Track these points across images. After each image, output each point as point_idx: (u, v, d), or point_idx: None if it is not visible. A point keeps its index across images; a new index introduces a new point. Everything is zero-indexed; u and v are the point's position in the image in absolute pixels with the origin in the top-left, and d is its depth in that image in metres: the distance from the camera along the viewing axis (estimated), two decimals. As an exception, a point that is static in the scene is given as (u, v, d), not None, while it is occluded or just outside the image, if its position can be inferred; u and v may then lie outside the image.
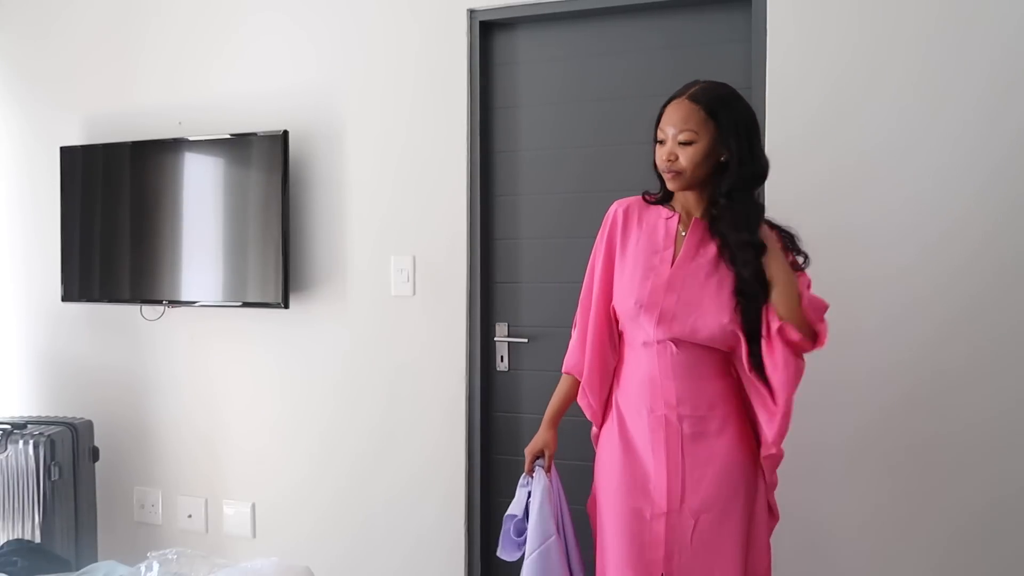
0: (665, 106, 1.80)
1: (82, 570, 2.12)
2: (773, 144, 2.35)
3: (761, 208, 1.79)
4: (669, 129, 1.77)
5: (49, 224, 3.25)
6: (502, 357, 2.78)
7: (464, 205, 2.74)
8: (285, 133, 2.82)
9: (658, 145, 1.81)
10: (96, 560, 2.77)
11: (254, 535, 3.06)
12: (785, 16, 2.37)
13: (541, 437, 2.01)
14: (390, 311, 2.84)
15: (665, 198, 1.89)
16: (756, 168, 1.76)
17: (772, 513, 1.88)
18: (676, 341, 1.79)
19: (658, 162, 1.81)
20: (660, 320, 1.79)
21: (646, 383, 1.83)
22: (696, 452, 1.79)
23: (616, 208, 1.94)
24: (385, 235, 2.83)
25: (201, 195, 2.97)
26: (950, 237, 2.25)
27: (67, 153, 3.16)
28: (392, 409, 2.85)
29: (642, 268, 1.84)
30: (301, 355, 2.96)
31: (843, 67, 2.33)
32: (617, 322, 1.91)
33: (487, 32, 2.75)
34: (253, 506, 3.06)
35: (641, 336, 1.84)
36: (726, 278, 1.77)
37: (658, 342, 1.81)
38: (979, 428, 2.24)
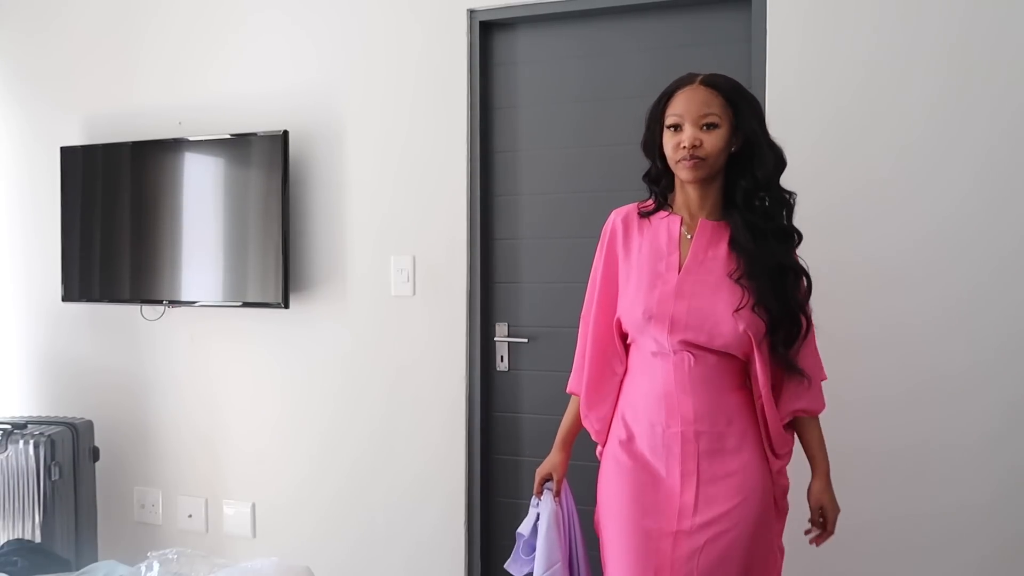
0: (671, 96, 1.71)
1: (82, 570, 2.12)
2: (773, 144, 2.35)
3: (792, 196, 1.74)
4: (687, 115, 1.66)
5: (49, 224, 3.25)
6: (502, 357, 2.78)
7: (464, 205, 2.74)
8: (285, 133, 2.82)
9: (669, 132, 1.70)
10: (96, 560, 2.77)
11: (254, 535, 3.06)
12: (785, 16, 2.37)
13: (550, 460, 1.94)
14: (390, 311, 2.84)
15: (660, 204, 1.80)
16: (776, 156, 1.70)
17: (780, 512, 1.80)
18: (692, 352, 1.69)
19: (673, 151, 1.69)
20: (672, 330, 1.69)
21: (660, 398, 1.72)
22: (712, 469, 1.69)
23: (614, 217, 1.84)
24: (385, 235, 2.83)
25: (201, 195, 2.97)
26: (954, 235, 2.25)
27: (67, 153, 3.16)
28: (392, 409, 2.85)
29: (648, 276, 1.73)
30: (301, 355, 2.96)
31: (843, 66, 2.33)
32: (624, 335, 1.82)
33: (487, 32, 2.75)
34: (253, 506, 3.06)
35: (653, 347, 1.73)
36: (747, 285, 1.68)
37: (674, 353, 1.70)
38: (978, 430, 2.24)
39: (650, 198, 1.82)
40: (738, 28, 2.47)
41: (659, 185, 1.80)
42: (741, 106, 1.67)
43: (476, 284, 2.75)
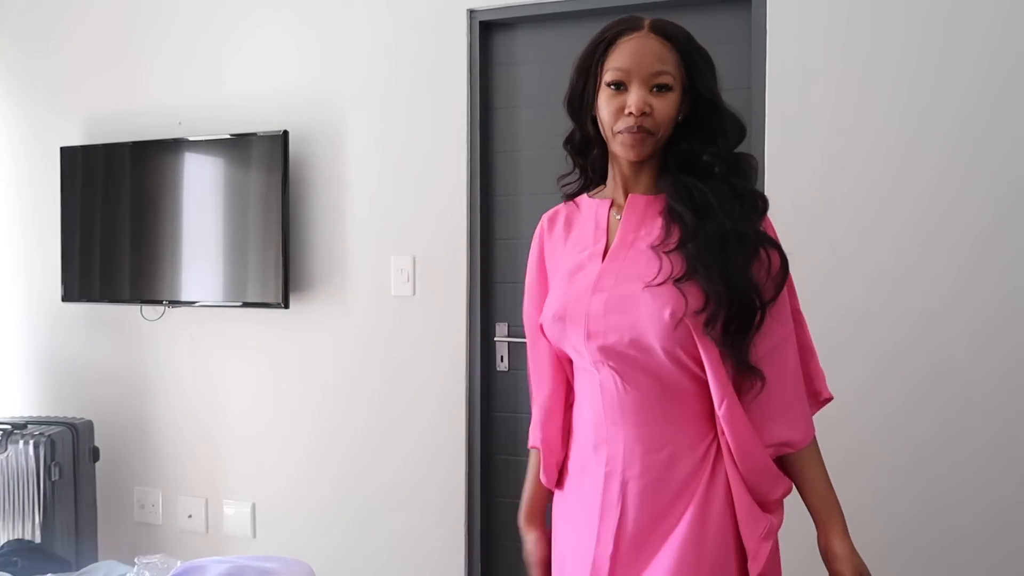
0: (613, 43, 1.31)
1: (82, 570, 2.12)
2: (772, 145, 2.35)
3: (753, 162, 1.36)
4: (635, 71, 1.28)
5: (49, 224, 3.25)
6: (502, 357, 2.78)
7: (464, 205, 2.74)
8: (285, 133, 2.82)
9: (609, 91, 1.30)
10: (96, 560, 2.77)
11: (254, 535, 3.06)
12: (785, 16, 2.37)
13: (529, 540, 1.49)
14: (390, 311, 2.83)
15: (587, 182, 1.45)
16: (738, 123, 1.35)
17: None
18: (618, 365, 1.29)
19: (612, 117, 1.29)
20: (589, 333, 1.30)
21: (591, 431, 1.35)
22: (638, 529, 1.29)
23: (542, 220, 1.53)
24: (385, 235, 2.83)
25: (201, 195, 2.97)
26: (956, 235, 2.25)
27: (67, 153, 3.16)
28: (392, 409, 2.84)
29: (568, 270, 1.38)
30: (301, 355, 2.96)
31: (843, 67, 2.33)
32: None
33: (487, 32, 2.75)
34: (253, 506, 3.05)
35: (579, 361, 1.37)
36: (676, 258, 1.26)
37: (596, 367, 1.32)
38: (974, 430, 2.24)
39: (572, 173, 1.46)
40: (738, 28, 2.47)
41: (587, 156, 1.43)
42: (698, 62, 1.32)
43: (476, 284, 2.75)
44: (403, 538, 2.85)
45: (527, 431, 2.83)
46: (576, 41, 2.67)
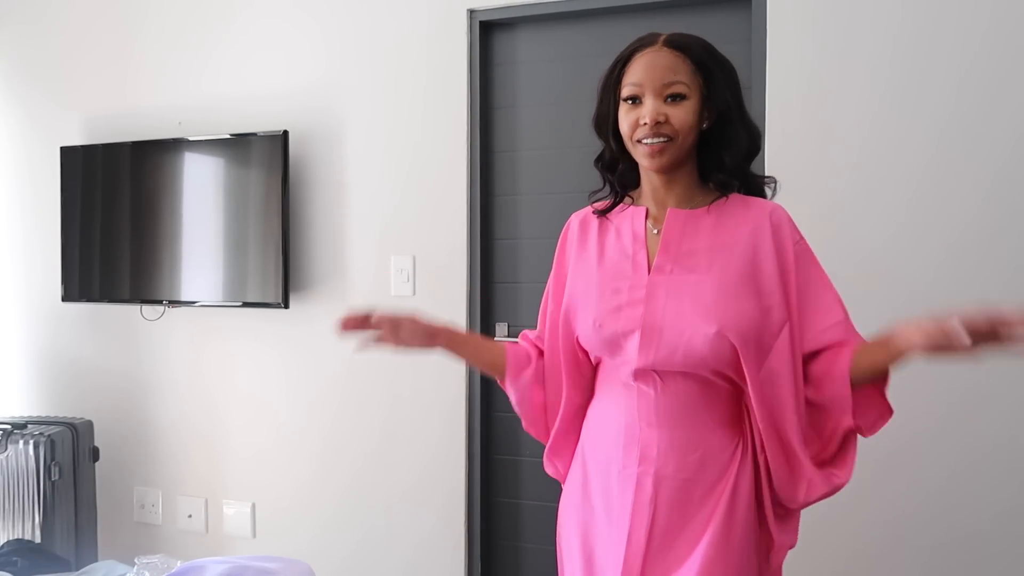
0: (628, 60, 1.40)
1: (82, 570, 2.12)
2: (772, 145, 2.35)
3: (770, 184, 1.48)
4: (648, 84, 1.35)
5: (49, 224, 3.25)
6: (502, 357, 2.78)
7: (464, 205, 2.74)
8: (285, 133, 2.82)
9: (626, 105, 1.39)
10: (96, 560, 2.77)
11: (254, 535, 3.06)
12: (785, 16, 2.37)
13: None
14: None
15: (618, 197, 1.50)
16: (750, 138, 1.42)
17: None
18: (661, 371, 1.36)
19: (630, 129, 1.38)
20: (644, 345, 1.36)
21: (621, 430, 1.40)
22: (669, 527, 1.34)
23: (571, 220, 1.56)
24: (385, 235, 2.83)
25: (201, 195, 2.98)
26: (959, 238, 2.25)
27: (67, 153, 3.16)
28: (392, 409, 2.85)
29: (610, 281, 1.42)
30: (301, 355, 2.96)
31: (843, 66, 2.33)
32: (587, 357, 1.50)
33: (487, 32, 2.75)
34: (253, 506, 3.05)
35: (619, 369, 1.41)
36: (722, 273, 1.35)
37: (636, 375, 1.38)
38: (986, 436, 2.24)
39: (603, 190, 1.53)
40: (738, 28, 2.47)
41: (615, 172, 1.50)
42: (714, 72, 1.38)
43: (476, 284, 2.75)
44: (402, 537, 2.85)
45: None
46: (576, 41, 2.68)
